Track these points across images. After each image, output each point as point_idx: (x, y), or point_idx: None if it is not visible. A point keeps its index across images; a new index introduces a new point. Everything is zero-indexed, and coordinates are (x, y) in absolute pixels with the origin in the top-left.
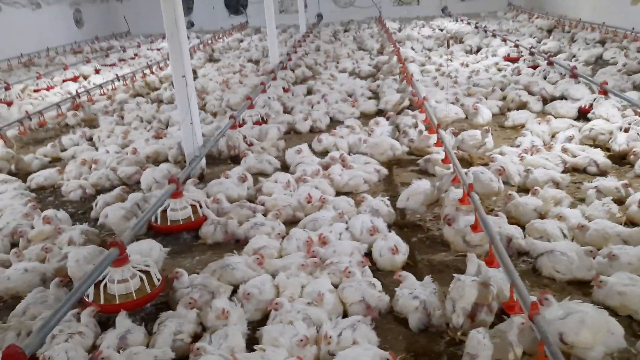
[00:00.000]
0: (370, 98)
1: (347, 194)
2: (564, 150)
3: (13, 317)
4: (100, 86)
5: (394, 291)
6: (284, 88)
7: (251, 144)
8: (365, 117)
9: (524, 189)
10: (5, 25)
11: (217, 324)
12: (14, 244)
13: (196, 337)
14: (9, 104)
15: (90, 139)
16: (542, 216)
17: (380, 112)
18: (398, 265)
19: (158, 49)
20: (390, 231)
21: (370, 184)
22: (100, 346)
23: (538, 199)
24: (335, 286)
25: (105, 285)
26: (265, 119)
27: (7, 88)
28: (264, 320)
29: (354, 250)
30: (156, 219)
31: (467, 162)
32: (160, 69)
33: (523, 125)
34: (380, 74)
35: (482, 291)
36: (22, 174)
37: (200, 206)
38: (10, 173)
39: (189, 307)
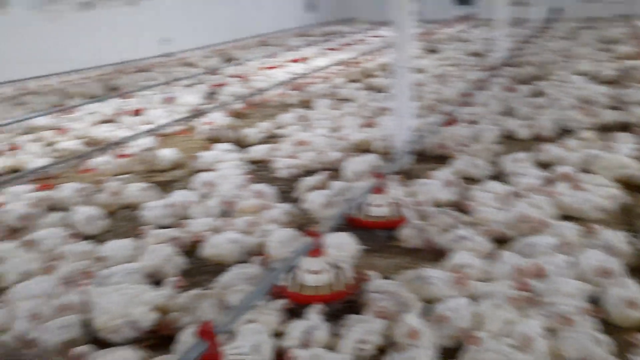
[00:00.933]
0: (612, 108)
1: (572, 219)
2: None
3: (215, 287)
4: (320, 69)
5: (626, 356)
6: (506, 87)
7: (463, 145)
8: (603, 130)
9: None
10: (246, 7)
11: (405, 342)
12: (226, 213)
13: (379, 350)
14: (243, 78)
15: (304, 120)
16: None
17: (625, 126)
18: (635, 323)
19: (379, 36)
20: (628, 277)
21: (605, 213)
22: (286, 336)
23: None
24: (549, 332)
25: (297, 274)
26: (481, 119)
27: (240, 65)
28: (453, 349)
29: (578, 292)
30: (354, 211)
31: None
32: (378, 56)
33: None
34: (628, 81)
35: None
36: (243, 145)
37: (401, 206)
38: (233, 143)
39: (378, 315)
